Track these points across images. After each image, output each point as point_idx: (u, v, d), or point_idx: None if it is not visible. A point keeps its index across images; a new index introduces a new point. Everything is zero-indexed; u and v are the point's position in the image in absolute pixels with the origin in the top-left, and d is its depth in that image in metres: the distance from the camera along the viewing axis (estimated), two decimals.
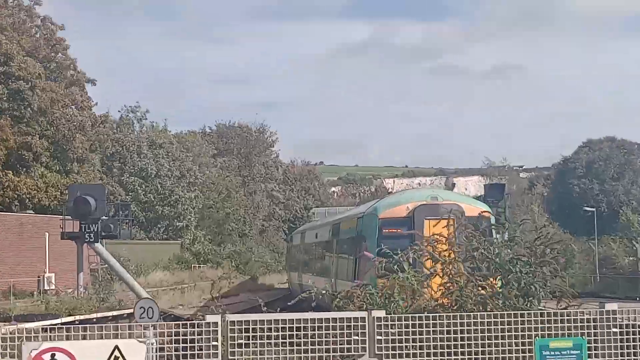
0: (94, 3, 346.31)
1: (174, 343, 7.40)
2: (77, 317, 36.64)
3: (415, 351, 7.24)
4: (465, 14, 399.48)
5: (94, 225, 45.28)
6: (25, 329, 6.98)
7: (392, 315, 7.32)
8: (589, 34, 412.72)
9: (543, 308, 11.60)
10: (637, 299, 46.74)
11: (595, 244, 69.49)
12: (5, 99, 63.14)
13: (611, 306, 7.46)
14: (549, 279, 14.35)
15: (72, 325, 7.28)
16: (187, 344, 7.18)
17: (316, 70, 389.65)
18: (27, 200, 63.42)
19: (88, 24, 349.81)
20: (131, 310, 38.62)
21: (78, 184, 57.39)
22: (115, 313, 39.92)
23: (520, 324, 7.41)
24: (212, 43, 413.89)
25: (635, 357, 7.62)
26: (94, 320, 36.12)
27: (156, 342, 7.27)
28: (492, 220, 24.87)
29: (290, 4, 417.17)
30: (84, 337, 7.05)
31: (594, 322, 7.54)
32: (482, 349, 7.39)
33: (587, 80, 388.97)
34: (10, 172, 62.92)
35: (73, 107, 71.05)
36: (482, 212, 26.42)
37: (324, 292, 24.37)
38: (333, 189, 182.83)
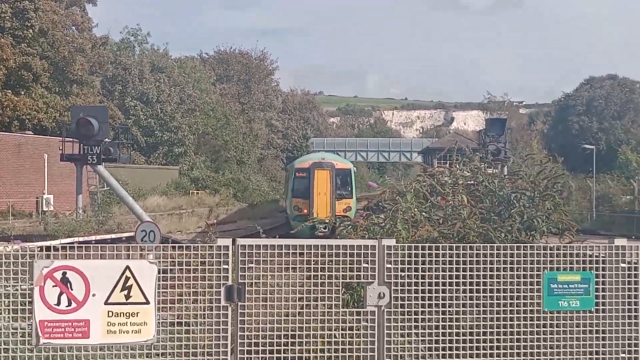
0: None
1: (179, 265, 7.41)
2: (76, 239, 36.65)
3: (423, 280, 7.27)
4: None
5: (95, 148, 45.11)
6: (37, 247, 7.00)
7: (402, 244, 7.32)
8: None
9: (547, 242, 11.64)
10: (633, 237, 47.02)
11: (593, 182, 69.71)
12: (8, 18, 62.72)
13: (620, 242, 7.47)
14: (552, 213, 14.39)
15: (73, 245, 7.29)
16: (197, 266, 7.20)
17: None
18: (27, 120, 63.33)
19: None
20: (130, 234, 38.81)
21: (81, 106, 57.11)
22: (114, 236, 40.01)
23: (530, 257, 7.42)
24: None
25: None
26: (93, 242, 36.16)
27: (160, 263, 7.28)
28: (352, 172, 49.77)
29: None
30: (88, 257, 7.06)
31: (602, 257, 7.55)
32: (491, 280, 7.42)
33: (589, 17, 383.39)
34: (10, 91, 62.78)
35: (73, 27, 70.54)
36: (345, 166, 49.64)
37: (326, 222, 41.39)
38: (332, 119, 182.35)
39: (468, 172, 16.30)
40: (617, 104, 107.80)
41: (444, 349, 7.55)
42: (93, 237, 38.84)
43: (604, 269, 7.46)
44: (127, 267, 6.88)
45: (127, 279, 6.89)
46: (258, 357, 7.17)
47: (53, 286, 6.73)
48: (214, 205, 71.78)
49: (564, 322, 7.55)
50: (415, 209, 14.15)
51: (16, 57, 62.44)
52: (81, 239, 37.26)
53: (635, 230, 53.59)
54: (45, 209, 55.08)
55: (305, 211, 45.24)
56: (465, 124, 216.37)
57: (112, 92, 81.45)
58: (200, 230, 50.91)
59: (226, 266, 7.02)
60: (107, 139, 47.50)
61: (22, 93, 64.14)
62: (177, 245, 7.37)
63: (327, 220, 40.73)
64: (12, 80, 63.45)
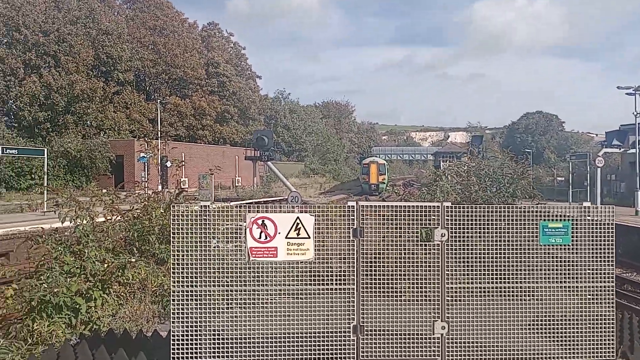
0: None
1: (327, 217, 6.75)
2: (253, 201, 36.73)
3: (464, 225, 6.48)
4: (454, 44, 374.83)
5: (265, 152, 45.16)
6: (245, 205, 6.48)
7: (455, 205, 6.54)
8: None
9: (533, 204, 10.64)
10: (555, 199, 44.22)
11: (531, 170, 66.69)
12: (215, 85, 63.71)
13: (587, 204, 6.53)
14: (525, 187, 13.39)
15: (251, 204, 6.74)
16: (337, 217, 6.57)
17: (370, 75, 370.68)
18: (227, 139, 64.31)
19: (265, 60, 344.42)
20: (281, 197, 38.69)
21: (257, 130, 57.72)
22: (273, 199, 39.92)
23: (528, 212, 6.55)
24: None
25: (598, 235, 6.72)
26: (263, 202, 35.99)
27: (315, 216, 6.65)
28: (385, 165, 55.79)
29: (357, 37, 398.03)
30: (274, 212, 6.50)
31: (575, 213, 6.62)
32: (505, 226, 6.56)
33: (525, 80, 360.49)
34: (218, 124, 63.87)
35: (249, 90, 71.16)
36: (382, 162, 55.41)
37: (375, 184, 46.21)
38: (384, 137, 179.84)
39: (474, 164, 15.45)
40: (541, 127, 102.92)
41: (478, 267, 6.77)
42: (262, 200, 38.83)
43: (574, 221, 6.55)
44: (298, 217, 6.35)
45: (298, 224, 6.35)
46: (371, 266, 6.55)
47: (257, 228, 6.25)
48: (322, 182, 71.30)
49: (551, 251, 6.67)
50: (448, 185, 13.38)
51: (220, 106, 63.36)
52: (256, 201, 37.25)
53: (555, 195, 50.67)
54: (237, 184, 55.75)
55: (367, 180, 53.85)
56: (455, 139, 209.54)
57: (270, 124, 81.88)
58: (316, 196, 50.45)
59: (353, 217, 6.40)
60: (272, 148, 47.63)
61: (224, 125, 65.02)
62: (317, 204, 6.79)
63: (375, 183, 52.01)
64: (219, 118, 64.37)
